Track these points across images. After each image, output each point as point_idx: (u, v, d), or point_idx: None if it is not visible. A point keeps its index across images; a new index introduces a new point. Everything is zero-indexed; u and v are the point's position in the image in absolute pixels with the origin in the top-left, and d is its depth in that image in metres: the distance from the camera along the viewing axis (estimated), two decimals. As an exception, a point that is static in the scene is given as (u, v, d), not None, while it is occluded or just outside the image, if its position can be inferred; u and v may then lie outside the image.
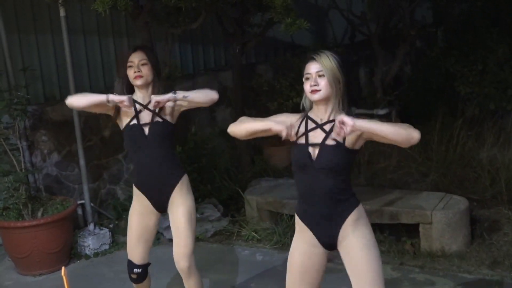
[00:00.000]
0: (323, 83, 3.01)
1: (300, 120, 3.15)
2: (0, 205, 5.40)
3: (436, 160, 6.34)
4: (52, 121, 5.87)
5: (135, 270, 4.01)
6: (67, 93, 5.70)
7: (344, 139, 3.00)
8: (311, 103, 3.13)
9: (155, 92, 3.83)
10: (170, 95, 3.69)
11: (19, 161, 5.41)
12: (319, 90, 3.01)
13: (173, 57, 6.63)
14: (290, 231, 5.53)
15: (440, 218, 5.00)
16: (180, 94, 3.71)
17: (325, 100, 3.05)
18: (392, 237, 5.23)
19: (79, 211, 5.90)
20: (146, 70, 3.78)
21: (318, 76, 3.02)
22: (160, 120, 3.79)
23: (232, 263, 5.26)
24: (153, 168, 3.84)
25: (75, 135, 5.68)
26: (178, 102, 3.78)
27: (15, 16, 5.69)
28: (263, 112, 7.69)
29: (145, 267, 4.06)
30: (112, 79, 6.45)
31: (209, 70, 7.50)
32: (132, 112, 3.81)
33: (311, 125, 3.10)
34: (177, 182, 3.86)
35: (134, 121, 3.82)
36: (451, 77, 7.74)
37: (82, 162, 5.72)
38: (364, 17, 8.29)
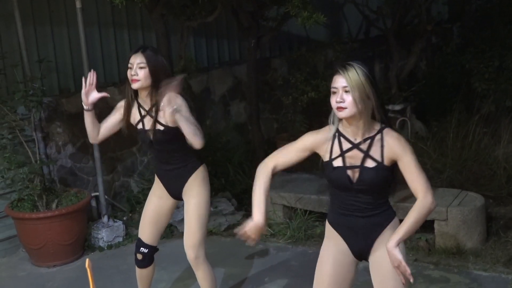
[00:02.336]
0: (349, 99, 2.81)
1: (332, 138, 2.97)
2: (15, 196, 5.42)
3: (451, 157, 6.30)
4: (67, 113, 5.88)
5: (142, 249, 4.00)
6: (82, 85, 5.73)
7: (382, 157, 2.87)
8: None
9: (155, 96, 3.70)
10: (172, 109, 3.59)
11: (34, 152, 5.44)
12: (345, 108, 2.82)
13: (188, 50, 6.63)
14: (304, 226, 5.53)
15: (455, 215, 4.97)
16: (178, 115, 3.58)
17: (354, 117, 2.86)
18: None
19: (93, 203, 5.91)
20: (142, 74, 3.67)
21: (344, 91, 2.83)
22: (161, 128, 3.72)
23: (246, 257, 5.26)
24: (166, 162, 3.87)
25: (90, 127, 5.67)
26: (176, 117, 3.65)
27: (31, 8, 5.70)
28: (277, 106, 7.73)
29: (152, 249, 4.02)
30: (126, 72, 6.45)
31: (224, 64, 7.49)
32: (138, 116, 3.82)
33: (345, 144, 2.93)
34: (191, 174, 3.85)
35: (140, 125, 3.82)
36: (467, 74, 7.70)
37: (96, 154, 5.73)
38: (380, 12, 8.24)
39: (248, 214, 5.91)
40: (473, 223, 4.99)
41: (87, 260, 2.05)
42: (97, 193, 5.87)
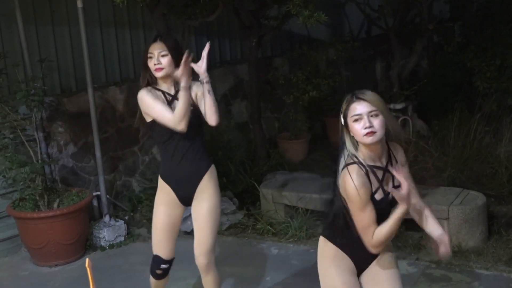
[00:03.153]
0: (377, 123, 2.76)
1: (364, 173, 2.83)
2: (17, 196, 5.42)
3: (453, 156, 6.29)
4: (68, 113, 5.89)
5: (162, 266, 3.89)
6: (84, 85, 5.75)
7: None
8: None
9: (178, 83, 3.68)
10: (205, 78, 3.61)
11: (35, 152, 5.44)
12: (375, 132, 2.75)
13: (189, 49, 6.62)
14: (305, 225, 5.53)
15: (457, 214, 4.97)
16: (207, 86, 3.63)
17: (380, 140, 2.82)
18: (409, 232, 5.19)
19: (95, 203, 5.91)
20: (166, 62, 3.68)
21: (370, 116, 2.76)
22: (191, 107, 3.65)
23: (247, 256, 5.26)
24: (183, 158, 3.74)
25: (91, 126, 5.68)
26: (199, 94, 3.70)
27: (33, 7, 5.70)
28: (279, 105, 7.73)
29: (171, 262, 3.95)
30: (128, 71, 6.47)
31: (225, 63, 7.49)
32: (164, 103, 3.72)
33: (378, 172, 2.85)
34: (205, 172, 3.78)
35: None
36: (468, 73, 7.69)
37: (98, 153, 5.73)
38: (381, 11, 8.23)
39: (249, 213, 5.93)
40: (474, 221, 4.98)
41: (87, 259, 2.04)
42: (98, 193, 5.87)
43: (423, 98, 8.24)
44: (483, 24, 8.17)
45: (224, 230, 5.74)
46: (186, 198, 3.82)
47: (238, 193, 6.20)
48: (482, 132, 6.46)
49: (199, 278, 4.02)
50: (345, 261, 3.03)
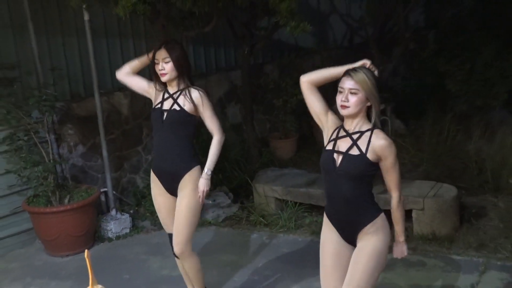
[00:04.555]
0: (353, 100, 2.91)
1: (335, 128, 3.07)
2: (31, 192, 5.42)
3: (427, 152, 6.34)
4: (77, 116, 5.89)
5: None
6: (91, 91, 5.75)
7: (367, 150, 2.93)
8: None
9: (182, 84, 3.81)
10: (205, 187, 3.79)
11: (47, 152, 5.44)
12: (348, 107, 2.93)
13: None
14: (294, 216, 5.55)
15: (431, 205, 5.00)
16: (208, 172, 3.79)
17: (354, 116, 2.97)
18: (388, 222, 5.21)
19: (102, 198, 5.91)
20: (169, 68, 3.75)
21: (350, 93, 2.92)
22: (177, 108, 3.75)
23: (242, 245, 5.28)
24: (166, 152, 3.81)
25: (98, 129, 5.69)
26: (200, 110, 3.81)
27: (44, 20, 5.70)
28: (270, 108, 7.74)
29: None
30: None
31: (220, 69, 7.49)
32: (160, 98, 3.83)
33: (341, 132, 3.02)
34: (185, 173, 3.79)
35: (159, 105, 3.82)
36: (441, 76, 7.72)
37: (105, 153, 5.73)
38: (362, 21, 8.26)
39: (243, 206, 5.94)
40: (447, 212, 5.02)
41: (86, 251, 2.07)
42: (105, 189, 5.87)
43: (401, 100, 8.27)
44: (455, 32, 8.20)
45: (220, 222, 5.76)
46: (170, 190, 3.88)
47: (233, 188, 6.22)
48: (454, 131, 6.51)
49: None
50: (333, 231, 3.11)
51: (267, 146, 7.43)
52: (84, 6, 5.20)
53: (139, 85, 3.98)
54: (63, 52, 5.89)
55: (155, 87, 3.88)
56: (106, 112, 5.97)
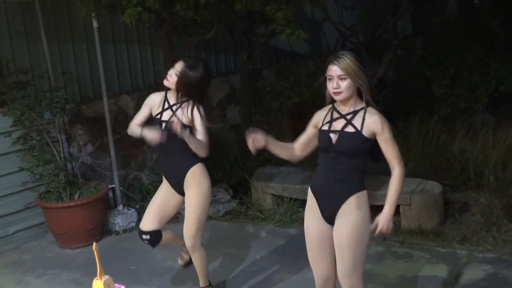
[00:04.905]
0: (344, 85, 2.93)
1: (327, 110, 3.09)
2: (43, 188, 5.42)
3: (414, 151, 6.32)
4: (87, 117, 5.89)
5: (144, 236, 3.97)
6: (99, 94, 5.75)
7: (362, 127, 2.94)
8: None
9: (180, 98, 3.81)
10: (183, 132, 3.63)
11: (59, 151, 5.45)
12: (341, 92, 2.94)
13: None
14: (289, 212, 5.55)
15: (418, 200, 5.00)
16: (187, 136, 3.65)
17: (348, 98, 2.98)
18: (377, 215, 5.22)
19: (110, 194, 5.91)
20: (173, 79, 3.78)
21: (339, 79, 2.93)
22: (176, 119, 3.74)
23: (240, 238, 5.28)
24: (168, 156, 3.87)
25: (106, 129, 5.69)
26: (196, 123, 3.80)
27: (55, 28, 5.70)
28: (267, 110, 7.73)
29: (153, 233, 3.95)
30: (137, 81, 6.46)
31: (221, 73, 7.49)
32: (161, 107, 3.84)
33: (335, 114, 3.03)
34: (187, 171, 3.82)
35: (159, 116, 3.83)
36: (428, 80, 7.71)
37: (112, 152, 5.73)
38: (353, 28, 8.25)
39: (241, 202, 5.94)
40: (432, 207, 5.02)
41: (94, 244, 2.07)
42: (113, 185, 5.88)
43: (390, 102, 8.23)
44: (440, 40, 8.20)
45: (220, 216, 5.76)
46: (178, 189, 3.91)
47: (233, 184, 6.22)
48: (439, 131, 6.49)
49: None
50: (315, 209, 3.11)
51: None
52: (93, 14, 5.20)
53: (147, 116, 3.95)
54: (73, 57, 5.90)
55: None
56: (113, 114, 5.97)
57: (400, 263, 4.53)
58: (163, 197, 3.97)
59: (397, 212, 5.02)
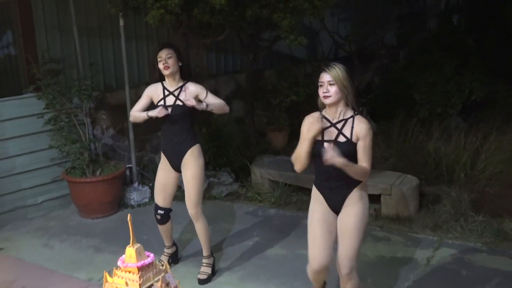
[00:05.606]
0: (333, 90, 2.89)
1: (320, 118, 2.98)
2: (69, 165, 5.41)
3: (395, 148, 6.32)
4: (110, 104, 5.86)
5: (159, 211, 4.00)
6: (122, 84, 5.73)
7: (351, 135, 2.90)
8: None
9: (182, 77, 3.80)
10: (200, 105, 3.63)
11: (84, 133, 5.43)
12: (330, 96, 2.90)
13: (202, 61, 6.61)
14: (284, 195, 5.55)
15: (397, 191, 5.00)
16: (205, 108, 3.66)
17: (335, 103, 2.94)
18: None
19: (127, 172, 5.91)
20: (171, 62, 3.73)
21: (329, 84, 2.90)
22: (180, 103, 3.75)
23: (240, 216, 5.28)
24: (172, 137, 3.84)
25: (126, 115, 5.67)
26: (203, 99, 3.79)
27: (86, 24, 5.67)
28: (267, 106, 7.71)
29: (166, 210, 4.01)
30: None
31: (228, 72, 7.47)
32: (161, 95, 3.81)
33: (326, 123, 2.97)
34: (188, 149, 3.82)
35: (162, 102, 3.80)
36: (409, 87, 7.71)
37: (131, 136, 5.72)
38: (346, 38, 8.24)
39: (242, 185, 5.94)
40: (409, 198, 5.03)
41: (128, 215, 2.04)
42: (130, 165, 5.87)
43: (375, 105, 8.26)
44: (421, 52, 8.19)
45: (223, 197, 5.76)
46: (175, 166, 3.90)
47: (235, 169, 6.20)
48: (418, 132, 6.49)
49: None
50: (321, 200, 3.06)
51: (264, 137, 7.40)
52: (120, 14, 5.17)
53: (146, 105, 3.93)
54: (100, 50, 5.87)
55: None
56: (133, 102, 5.88)
57: (379, 245, 4.54)
58: (162, 179, 3.97)
59: (378, 200, 5.06)
